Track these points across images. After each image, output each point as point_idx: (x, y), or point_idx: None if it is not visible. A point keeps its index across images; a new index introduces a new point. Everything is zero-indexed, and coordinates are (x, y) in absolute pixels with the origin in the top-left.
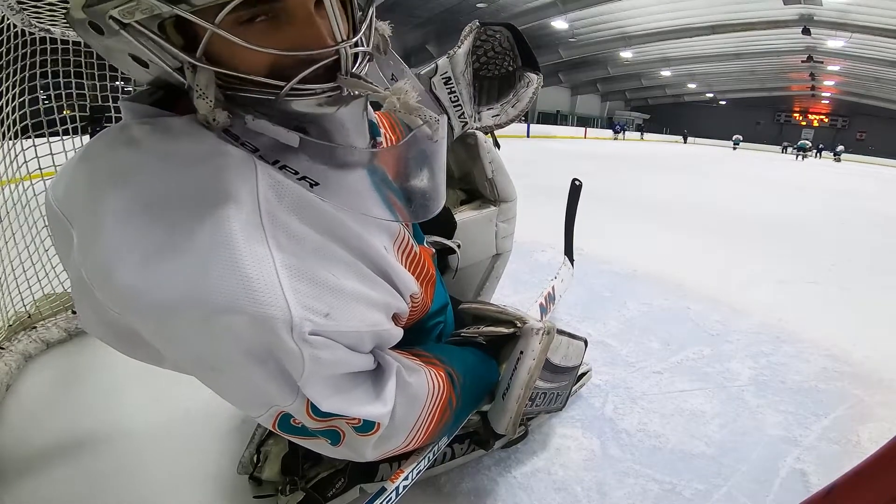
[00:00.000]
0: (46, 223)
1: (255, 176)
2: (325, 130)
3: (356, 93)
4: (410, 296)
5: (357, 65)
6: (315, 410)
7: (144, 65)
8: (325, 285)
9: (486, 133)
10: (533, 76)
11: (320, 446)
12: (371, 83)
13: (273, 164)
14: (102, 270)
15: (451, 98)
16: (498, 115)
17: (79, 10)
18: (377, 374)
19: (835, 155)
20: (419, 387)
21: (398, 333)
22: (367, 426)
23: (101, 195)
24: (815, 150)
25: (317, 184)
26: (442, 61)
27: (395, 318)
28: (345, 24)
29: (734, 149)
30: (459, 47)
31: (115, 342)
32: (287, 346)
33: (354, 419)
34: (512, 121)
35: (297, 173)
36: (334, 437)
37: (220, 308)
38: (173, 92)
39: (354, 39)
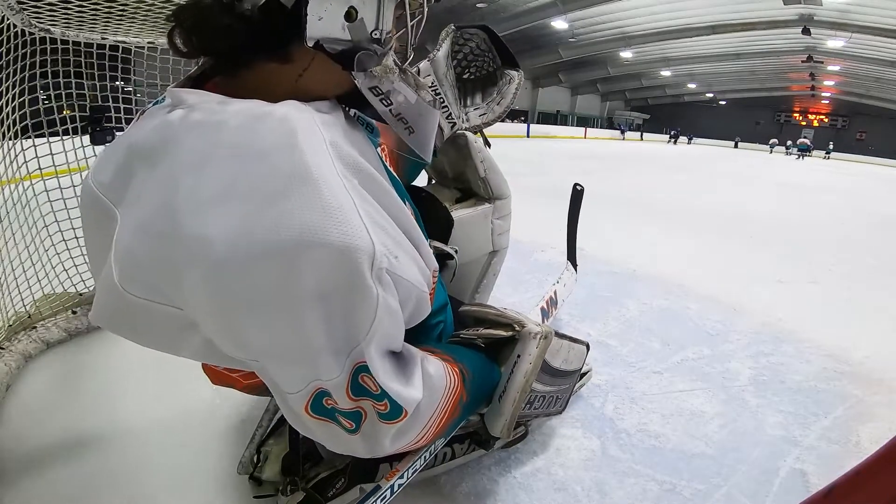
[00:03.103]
0: (46, 224)
1: (322, 138)
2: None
3: None
4: (433, 271)
5: None
6: (353, 387)
7: (350, 18)
8: (388, 233)
9: (475, 133)
10: (514, 73)
11: (336, 435)
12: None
13: (389, 106)
14: (163, 226)
15: (437, 100)
16: (485, 114)
17: None
18: (405, 361)
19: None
20: (439, 378)
21: (430, 306)
22: (393, 413)
23: (163, 159)
24: (796, 150)
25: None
26: (423, 65)
27: None
28: None
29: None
30: (438, 50)
31: (129, 332)
32: (366, 284)
33: (382, 404)
34: (498, 118)
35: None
36: (357, 420)
37: (305, 241)
38: (201, 79)
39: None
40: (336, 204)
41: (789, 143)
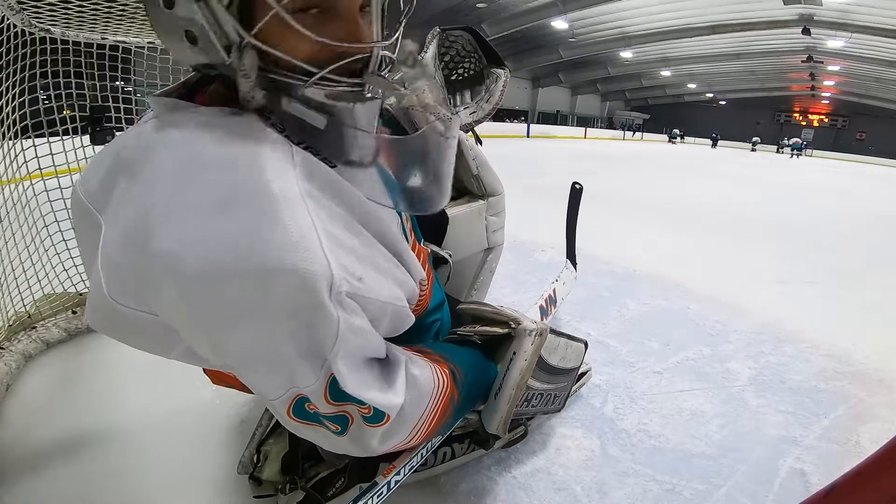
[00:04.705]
0: (46, 224)
1: (291, 153)
2: (342, 123)
3: (378, 92)
4: (420, 282)
5: (384, 68)
6: (332, 393)
7: (194, 42)
8: (355, 253)
9: (466, 131)
10: (500, 71)
11: (326, 437)
12: (394, 84)
13: (298, 145)
14: (140, 240)
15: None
16: (475, 112)
17: None
18: (388, 366)
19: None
20: (426, 382)
21: (412, 317)
22: (376, 416)
23: (144, 171)
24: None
25: (334, 165)
26: None
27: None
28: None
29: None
30: (426, 53)
31: (121, 336)
32: (326, 307)
33: (366, 408)
34: (488, 115)
35: (318, 153)
36: (343, 423)
37: (265, 269)
38: (197, 84)
39: (390, 41)
40: (295, 229)
41: (781, 141)
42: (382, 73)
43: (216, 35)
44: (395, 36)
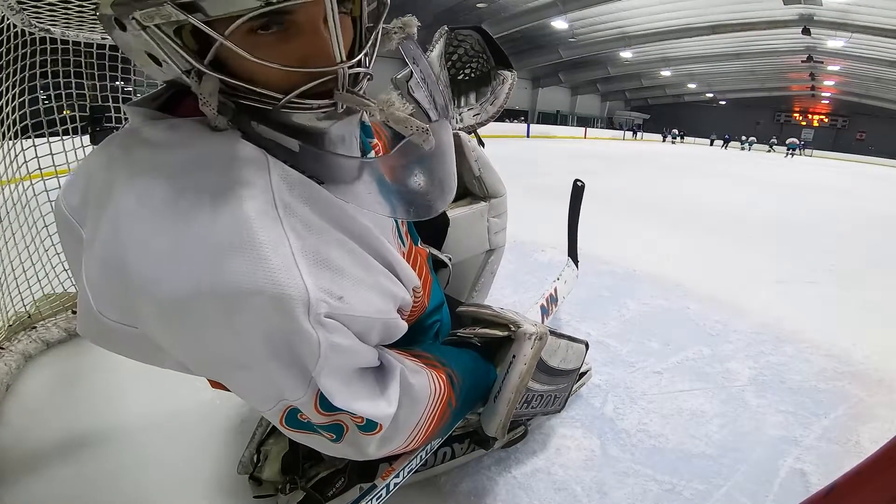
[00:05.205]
0: (46, 224)
1: (267, 168)
2: (317, 144)
3: (349, 107)
4: (413, 289)
5: (358, 83)
6: (323, 404)
7: (159, 64)
8: (337, 270)
9: (469, 132)
10: (507, 73)
11: (323, 443)
12: (364, 98)
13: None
14: (117, 264)
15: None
16: (479, 114)
17: (107, 7)
18: (382, 375)
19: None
20: (421, 389)
21: (404, 326)
22: (370, 425)
23: (115, 193)
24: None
25: (322, 182)
26: None
27: (399, 312)
28: (349, 40)
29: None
30: (432, 51)
31: (113, 347)
32: (304, 329)
33: (359, 417)
34: (492, 117)
35: (303, 172)
36: (338, 431)
37: (240, 291)
38: (180, 93)
39: (355, 60)
40: (270, 249)
41: (771, 140)
42: (356, 90)
43: (174, 61)
44: (364, 51)
